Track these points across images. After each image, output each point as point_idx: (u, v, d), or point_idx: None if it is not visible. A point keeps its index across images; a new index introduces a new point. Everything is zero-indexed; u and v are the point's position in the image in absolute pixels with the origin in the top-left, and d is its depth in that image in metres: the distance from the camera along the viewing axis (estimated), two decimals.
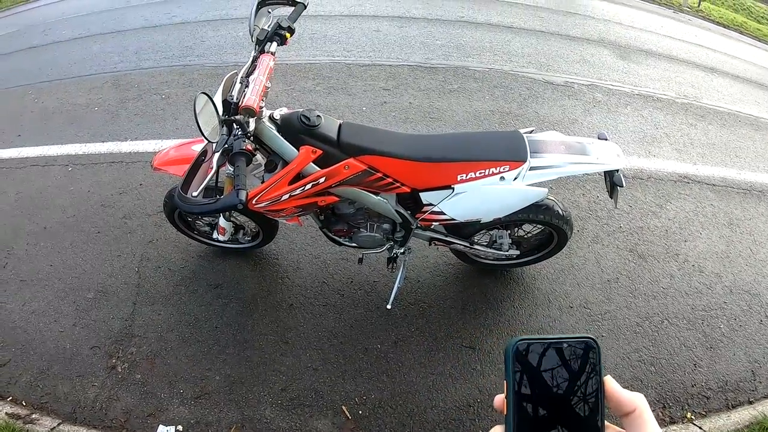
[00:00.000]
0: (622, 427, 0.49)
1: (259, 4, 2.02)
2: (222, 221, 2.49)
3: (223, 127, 1.65)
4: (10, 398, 2.38)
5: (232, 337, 2.56)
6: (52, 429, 2.23)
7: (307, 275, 2.83)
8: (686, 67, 5.88)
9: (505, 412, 0.47)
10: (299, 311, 2.67)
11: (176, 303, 2.71)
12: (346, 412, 2.30)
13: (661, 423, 2.38)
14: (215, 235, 2.59)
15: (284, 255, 2.94)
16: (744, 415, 2.44)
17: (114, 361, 2.48)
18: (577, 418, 0.46)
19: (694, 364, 2.60)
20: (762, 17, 9.86)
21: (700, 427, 2.38)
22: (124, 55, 5.27)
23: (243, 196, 1.48)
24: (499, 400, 0.49)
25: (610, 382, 0.49)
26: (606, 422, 0.47)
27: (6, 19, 7.65)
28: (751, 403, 2.51)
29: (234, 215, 2.56)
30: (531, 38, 5.83)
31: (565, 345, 0.47)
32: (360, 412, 2.31)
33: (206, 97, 1.59)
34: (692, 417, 2.41)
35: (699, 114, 4.75)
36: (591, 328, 2.68)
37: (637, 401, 0.49)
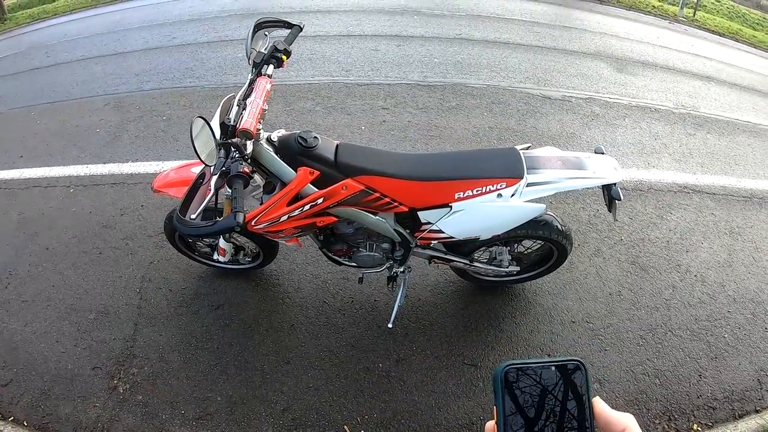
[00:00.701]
0: None
1: (255, 26, 2.05)
2: (222, 242, 2.50)
3: (220, 149, 1.66)
4: (12, 418, 2.38)
5: (234, 357, 2.55)
6: None
7: (307, 295, 2.83)
8: (683, 76, 5.91)
9: None
10: (300, 331, 2.67)
11: (177, 324, 2.71)
12: (346, 429, 2.28)
13: None
14: (216, 256, 2.60)
15: (285, 275, 2.94)
16: (751, 424, 2.42)
17: (115, 381, 2.47)
18: None
19: (699, 375, 2.58)
20: (757, 24, 9.92)
21: None
22: (125, 77, 5.33)
23: (240, 218, 1.48)
24: (490, 426, 0.50)
25: (599, 404, 0.50)
26: None
27: (10, 41, 7.77)
28: (758, 412, 2.48)
29: (234, 236, 2.57)
30: (528, 54, 5.87)
31: (552, 368, 0.48)
32: (362, 431, 2.30)
33: (203, 120, 1.61)
34: (699, 428, 2.39)
35: (697, 123, 4.76)
36: (594, 342, 2.67)
37: (626, 421, 0.50)
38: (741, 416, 2.46)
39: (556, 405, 0.47)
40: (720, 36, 8.33)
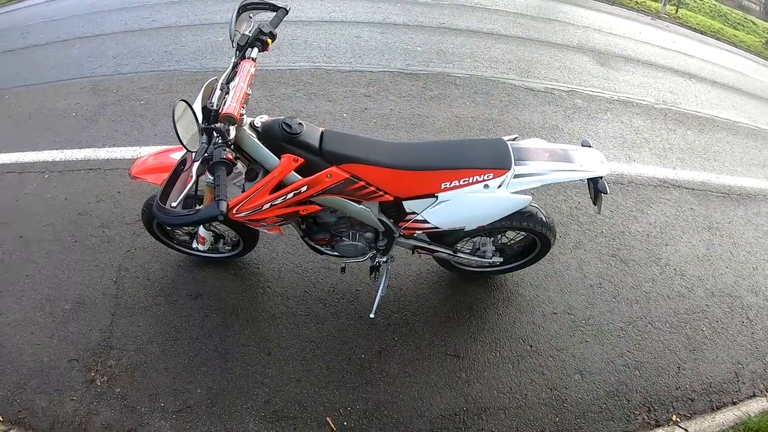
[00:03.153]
0: None
1: (240, 8, 2.00)
2: (202, 231, 2.44)
3: (202, 135, 1.62)
4: None
5: (213, 348, 2.51)
6: None
7: (288, 285, 2.80)
8: (665, 72, 5.98)
9: None
10: (281, 321, 2.63)
11: (156, 314, 2.65)
12: (331, 424, 2.27)
13: (647, 426, 2.40)
14: (195, 245, 2.54)
15: (265, 264, 2.90)
16: (728, 416, 2.48)
17: (93, 374, 2.41)
18: None
19: (678, 367, 2.63)
20: (738, 24, 10.10)
21: (685, 429, 2.41)
22: (102, 59, 5.17)
23: (224, 207, 1.44)
24: None
25: None
26: None
27: None
28: (735, 404, 2.55)
29: (214, 225, 2.51)
30: (511, 45, 5.87)
31: None
32: (345, 423, 2.28)
33: (185, 104, 1.56)
34: (678, 419, 2.44)
35: (678, 119, 4.83)
36: (575, 333, 2.69)
37: None
38: (719, 408, 2.52)
39: None
40: (702, 34, 8.47)
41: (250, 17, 2.05)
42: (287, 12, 2.10)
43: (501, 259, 2.59)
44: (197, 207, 1.53)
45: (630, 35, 7.07)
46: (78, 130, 3.99)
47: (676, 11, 8.96)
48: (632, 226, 3.38)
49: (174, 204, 1.54)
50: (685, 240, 3.36)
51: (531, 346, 2.62)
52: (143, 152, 3.52)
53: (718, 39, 8.46)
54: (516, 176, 1.98)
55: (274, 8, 2.10)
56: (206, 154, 1.59)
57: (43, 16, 6.99)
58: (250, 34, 1.95)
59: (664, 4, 8.80)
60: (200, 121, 1.64)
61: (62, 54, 5.51)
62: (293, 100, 4.31)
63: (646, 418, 2.41)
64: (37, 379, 2.41)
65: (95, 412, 2.29)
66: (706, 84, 6.01)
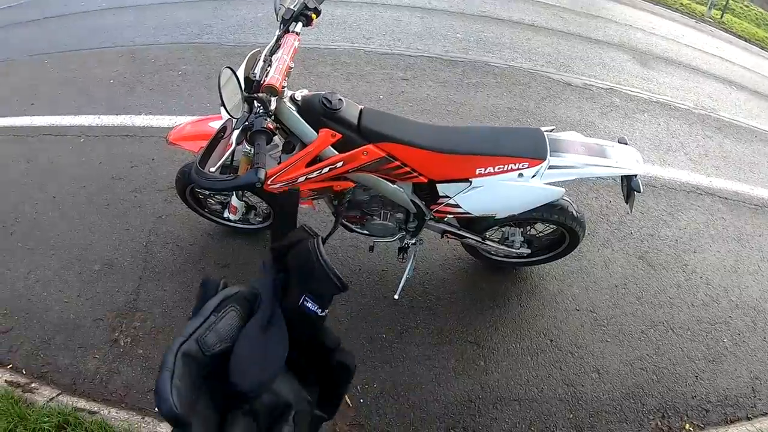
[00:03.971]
0: None
1: None
2: (234, 200, 2.47)
3: (244, 104, 1.63)
4: (10, 366, 2.38)
5: None
6: (51, 399, 2.22)
7: None
8: (705, 78, 5.83)
9: None
10: None
11: (182, 280, 2.69)
12: (347, 401, 2.29)
13: None
14: (226, 214, 2.58)
15: None
16: (741, 430, 2.44)
17: (117, 334, 2.47)
18: None
19: (696, 376, 2.59)
20: None
21: None
22: (142, 29, 5.25)
23: (262, 174, 1.45)
24: None
25: None
26: None
27: None
28: (749, 419, 2.50)
29: (246, 195, 2.54)
30: (552, 38, 5.78)
31: None
32: (362, 400, 2.30)
33: (230, 71, 1.57)
34: (690, 429, 2.40)
35: (716, 126, 4.71)
36: (596, 332, 2.67)
37: None
38: (732, 421, 2.48)
39: None
40: (746, 41, 8.22)
41: None
42: None
43: (528, 251, 2.57)
44: (235, 174, 1.54)
45: (672, 37, 6.90)
46: (115, 97, 4.07)
47: (722, 16, 8.71)
48: (662, 230, 3.32)
49: (213, 169, 1.56)
50: (714, 249, 3.29)
51: (551, 341, 2.61)
52: (179, 121, 3.56)
53: (762, 47, 8.19)
54: (550, 167, 1.97)
55: None
56: (246, 123, 1.61)
57: None
58: (295, 9, 1.95)
59: (710, 8, 8.56)
60: (243, 89, 1.66)
61: (102, 22, 5.59)
62: (330, 79, 4.32)
63: (659, 423, 2.39)
64: (62, 335, 2.48)
65: (116, 371, 2.35)
66: (748, 93, 5.84)
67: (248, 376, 0.54)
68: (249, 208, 2.68)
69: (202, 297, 0.61)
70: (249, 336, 0.59)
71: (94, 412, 2.18)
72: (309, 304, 0.70)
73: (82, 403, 2.22)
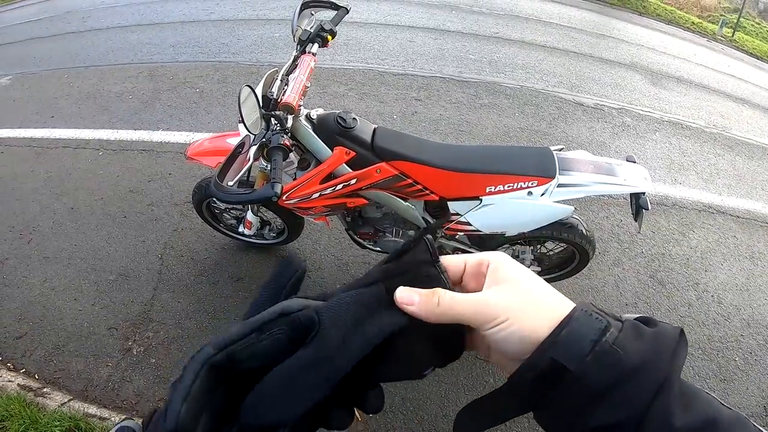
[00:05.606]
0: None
1: (303, 5, 2.06)
2: (249, 215, 2.52)
3: (262, 121, 1.69)
4: (24, 370, 2.42)
5: None
6: (62, 404, 2.25)
7: (328, 276, 2.85)
8: (717, 96, 5.84)
9: None
10: None
11: (196, 292, 2.74)
12: (357, 414, 2.29)
13: None
14: (241, 229, 2.62)
15: (307, 254, 2.95)
16: None
17: (130, 343, 2.51)
18: None
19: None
20: None
21: None
22: (161, 47, 5.38)
23: (278, 189, 1.50)
24: None
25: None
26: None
27: (47, 3, 7.87)
28: None
29: (261, 210, 2.59)
30: (563, 58, 5.84)
31: None
32: (370, 415, 2.31)
33: (250, 89, 1.63)
34: None
35: (727, 145, 4.70)
36: None
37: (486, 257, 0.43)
38: None
39: None
40: (757, 59, 8.21)
41: (312, 14, 2.12)
42: (348, 11, 2.16)
43: (539, 269, 2.58)
44: (252, 189, 1.59)
45: (684, 56, 6.93)
46: (133, 112, 4.16)
47: (733, 34, 8.72)
48: (673, 249, 3.31)
49: (231, 183, 1.61)
50: (726, 267, 3.27)
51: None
52: (196, 137, 3.65)
53: None
54: (559, 185, 1.99)
55: (335, 7, 2.16)
56: (264, 140, 1.66)
57: (104, 1, 7.29)
58: (312, 30, 2.01)
59: (721, 26, 8.57)
60: (261, 107, 1.72)
61: (121, 39, 5.74)
62: (345, 99, 4.39)
63: None
64: (75, 342, 2.52)
65: (128, 379, 2.38)
66: (760, 111, 5.83)
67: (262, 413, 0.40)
68: (263, 223, 2.73)
69: (275, 279, 0.46)
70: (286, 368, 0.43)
71: (104, 419, 2.20)
72: None
73: (93, 409, 2.25)
